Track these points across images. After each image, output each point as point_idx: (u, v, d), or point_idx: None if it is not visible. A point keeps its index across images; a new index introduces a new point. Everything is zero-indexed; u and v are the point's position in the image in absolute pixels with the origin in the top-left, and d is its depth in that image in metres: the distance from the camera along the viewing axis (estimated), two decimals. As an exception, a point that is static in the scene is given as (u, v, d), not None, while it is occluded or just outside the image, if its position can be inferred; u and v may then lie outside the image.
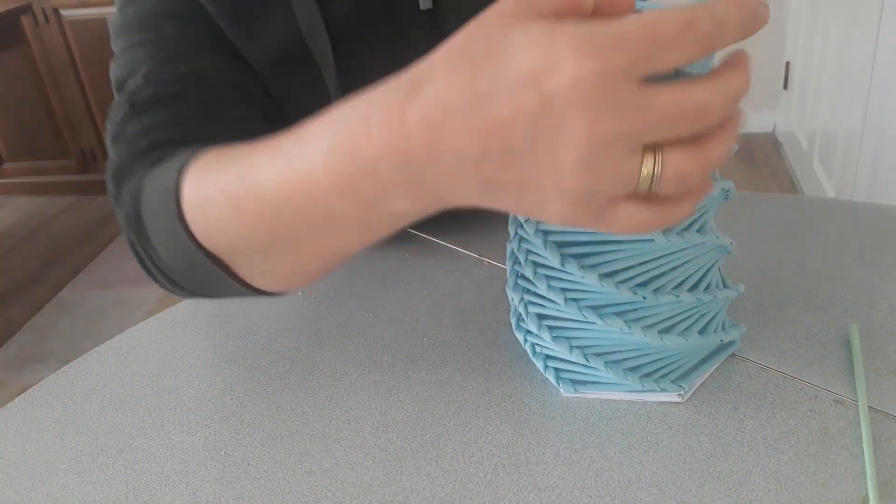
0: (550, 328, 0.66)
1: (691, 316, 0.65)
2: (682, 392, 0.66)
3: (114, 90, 0.76)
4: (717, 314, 0.67)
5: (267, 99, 0.78)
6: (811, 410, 0.64)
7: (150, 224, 0.65)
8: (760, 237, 0.89)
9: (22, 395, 0.75)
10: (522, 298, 0.68)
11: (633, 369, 0.66)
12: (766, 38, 3.76)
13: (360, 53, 0.49)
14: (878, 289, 0.78)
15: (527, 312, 0.68)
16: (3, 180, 4.18)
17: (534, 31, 0.42)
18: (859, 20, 2.54)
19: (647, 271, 0.61)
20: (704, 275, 0.65)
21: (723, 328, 0.69)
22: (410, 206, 0.50)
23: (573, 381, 0.68)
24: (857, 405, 0.64)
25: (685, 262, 0.62)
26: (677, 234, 0.60)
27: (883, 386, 0.66)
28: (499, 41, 0.43)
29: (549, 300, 0.65)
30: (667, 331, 0.64)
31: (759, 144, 3.92)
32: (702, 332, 0.66)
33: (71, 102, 3.88)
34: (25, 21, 3.73)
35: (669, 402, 0.66)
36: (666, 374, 0.67)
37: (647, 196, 0.45)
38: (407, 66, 0.47)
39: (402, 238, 0.96)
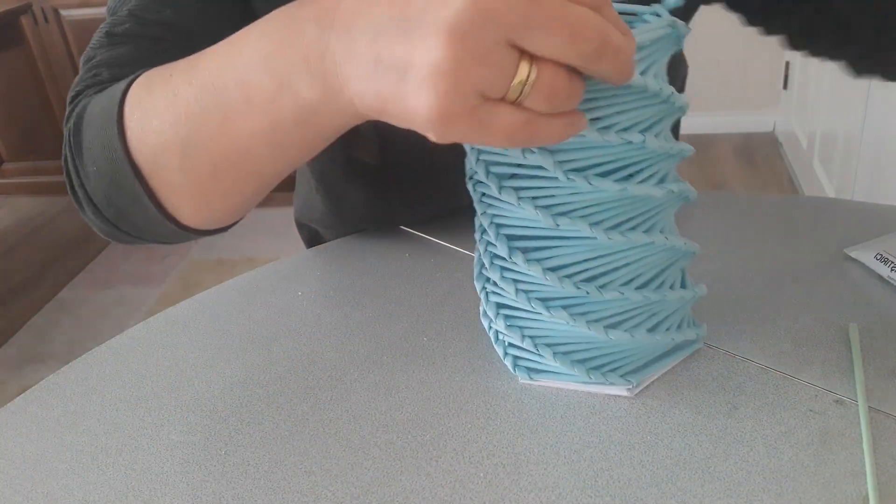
0: (506, 317, 0.68)
1: (641, 314, 0.65)
2: (631, 387, 0.67)
3: (106, 15, 0.77)
4: (672, 313, 0.68)
5: None
6: (811, 410, 0.64)
7: (86, 135, 0.66)
8: (759, 237, 0.89)
9: (22, 395, 0.75)
10: (484, 287, 0.69)
11: (582, 361, 0.67)
12: (766, 38, 3.76)
13: None
14: (878, 289, 0.78)
15: (487, 301, 0.69)
16: (2, 180, 4.18)
17: None
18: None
19: (593, 268, 0.62)
20: (657, 275, 0.65)
21: (678, 327, 0.69)
22: (313, 89, 0.52)
23: (528, 369, 0.69)
24: (857, 405, 0.64)
25: (634, 262, 0.63)
26: (621, 233, 0.60)
27: (883, 386, 0.66)
28: None
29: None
30: (613, 326, 0.64)
31: (760, 144, 3.92)
32: (652, 329, 0.66)
33: (71, 103, 3.88)
34: (25, 21, 3.73)
35: (663, 400, 0.66)
36: (615, 368, 0.67)
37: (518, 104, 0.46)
38: None
39: (403, 238, 0.96)
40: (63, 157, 0.70)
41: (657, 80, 0.57)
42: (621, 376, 0.67)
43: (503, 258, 0.65)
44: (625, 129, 0.57)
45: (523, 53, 0.45)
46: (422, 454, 0.64)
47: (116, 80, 0.70)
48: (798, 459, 0.60)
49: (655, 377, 0.69)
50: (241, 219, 0.72)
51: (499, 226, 0.64)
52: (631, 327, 0.65)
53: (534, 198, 0.60)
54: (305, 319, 0.82)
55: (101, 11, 3.60)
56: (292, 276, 0.91)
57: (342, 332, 0.79)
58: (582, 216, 0.60)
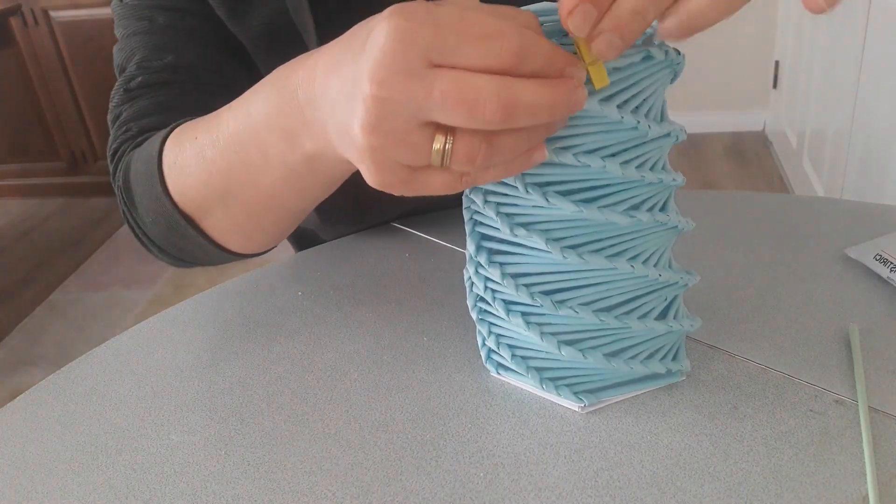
0: (479, 310, 0.69)
1: (601, 336, 0.64)
2: (583, 405, 0.66)
3: (116, 74, 0.87)
4: (643, 342, 0.66)
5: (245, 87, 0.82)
6: (811, 410, 0.64)
7: (136, 192, 0.77)
8: (758, 237, 0.90)
9: (22, 395, 0.75)
10: (470, 278, 0.69)
11: (538, 369, 0.67)
12: (756, 38, 3.78)
13: (342, 27, 0.56)
14: (878, 289, 0.79)
15: (469, 291, 0.69)
16: (-8, 182, 4.17)
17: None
18: (848, 20, 2.55)
19: (551, 282, 0.62)
20: (627, 301, 0.64)
21: (649, 357, 0.67)
22: (314, 144, 0.60)
23: (496, 364, 0.70)
24: (857, 405, 0.64)
25: (596, 284, 0.62)
26: (578, 254, 0.60)
27: (883, 386, 0.66)
28: (369, 22, 0.52)
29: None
30: (569, 343, 0.64)
31: (749, 143, 3.94)
32: (612, 355, 0.65)
33: (61, 104, 3.87)
34: (14, 23, 3.73)
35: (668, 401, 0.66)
36: (570, 384, 0.66)
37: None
38: None
39: (403, 238, 0.96)
40: (121, 211, 0.80)
41: (621, 110, 0.56)
42: (574, 393, 0.66)
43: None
44: (587, 153, 0.57)
45: (443, 126, 0.49)
46: (422, 454, 0.64)
47: (145, 131, 0.81)
48: (798, 459, 0.60)
49: (614, 401, 0.67)
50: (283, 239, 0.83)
51: (475, 223, 0.65)
52: (587, 348, 0.64)
53: (498, 203, 0.61)
54: (305, 319, 0.82)
55: (91, 13, 3.60)
56: (292, 276, 0.91)
57: (342, 332, 0.79)
58: (540, 230, 0.60)
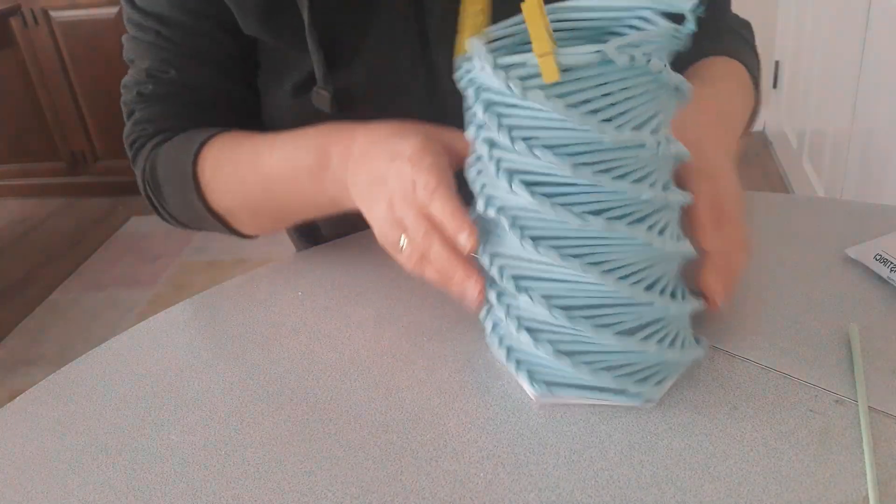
0: (529, 330, 0.66)
1: (557, 330, 0.64)
2: (535, 394, 0.67)
3: (125, 61, 0.97)
4: (606, 352, 0.65)
5: (243, 101, 0.97)
6: (811, 410, 0.64)
7: (165, 187, 0.93)
8: (757, 237, 0.89)
9: (22, 395, 0.75)
10: (499, 301, 0.68)
11: (509, 349, 0.69)
12: (756, 38, 3.77)
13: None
14: (878, 289, 0.79)
15: (508, 315, 0.67)
16: (-7, 182, 4.17)
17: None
18: (847, 20, 2.55)
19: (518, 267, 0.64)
20: (596, 306, 0.64)
21: (623, 373, 0.66)
22: (335, 194, 0.79)
23: (547, 383, 0.67)
24: (857, 405, 0.64)
25: (560, 280, 0.63)
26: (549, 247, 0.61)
27: (883, 386, 0.66)
28: (396, 135, 0.74)
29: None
30: (529, 329, 0.65)
31: (750, 143, 3.93)
32: (566, 354, 0.65)
33: (61, 104, 3.87)
34: (14, 23, 3.72)
35: (669, 404, 0.66)
36: (532, 371, 0.67)
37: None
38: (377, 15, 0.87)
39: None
40: (145, 195, 0.98)
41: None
42: (533, 380, 0.67)
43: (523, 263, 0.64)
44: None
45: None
46: (422, 454, 0.64)
47: (160, 131, 0.95)
48: (798, 459, 0.60)
49: (570, 401, 0.67)
50: None
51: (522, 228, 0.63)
52: (542, 339, 0.65)
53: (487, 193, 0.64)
54: (305, 319, 0.82)
55: (90, 13, 3.59)
56: (292, 276, 0.91)
57: (342, 332, 0.79)
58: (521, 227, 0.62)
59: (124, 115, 0.98)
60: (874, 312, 0.75)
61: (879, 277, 0.80)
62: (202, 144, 0.89)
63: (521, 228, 0.61)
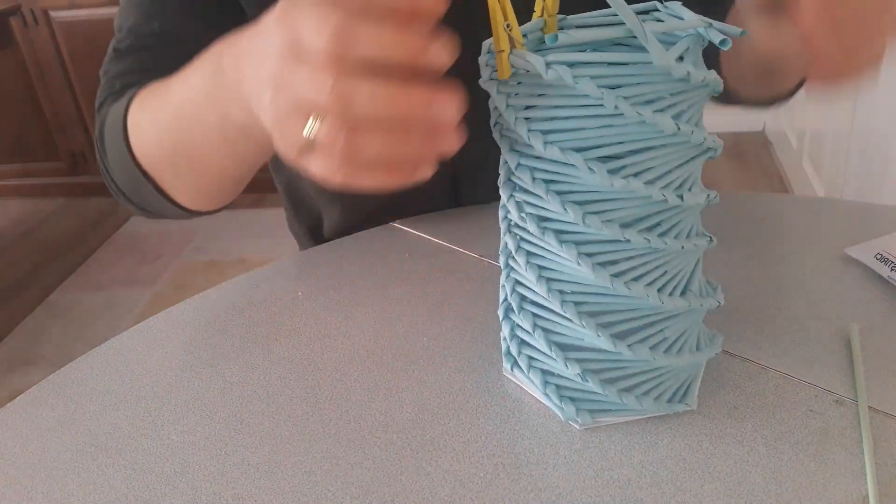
0: (577, 360, 0.64)
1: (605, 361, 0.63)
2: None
3: (115, 33, 0.94)
4: (651, 376, 0.65)
5: None
6: (811, 410, 0.65)
7: (108, 144, 0.86)
8: (758, 237, 0.90)
9: (22, 395, 0.75)
10: (536, 326, 0.65)
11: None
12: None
13: None
14: (878, 289, 0.79)
15: (546, 339, 0.64)
16: (-8, 182, 4.17)
17: None
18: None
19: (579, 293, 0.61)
20: (646, 326, 0.63)
21: (659, 395, 0.65)
22: (242, 115, 0.62)
23: (591, 411, 0.65)
24: (857, 405, 0.64)
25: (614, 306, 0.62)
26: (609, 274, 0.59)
27: (883, 386, 0.66)
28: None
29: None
30: (578, 360, 0.63)
31: (750, 143, 3.94)
32: (610, 382, 0.64)
33: (61, 104, 3.86)
34: (14, 23, 3.72)
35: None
36: (575, 401, 0.65)
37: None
38: None
39: (403, 238, 0.96)
40: (97, 157, 0.89)
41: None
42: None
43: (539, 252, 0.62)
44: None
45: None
46: (422, 454, 0.64)
47: (126, 87, 0.88)
48: (798, 459, 0.60)
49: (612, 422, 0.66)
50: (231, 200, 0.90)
51: (510, 223, 0.63)
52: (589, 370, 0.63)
53: (536, 215, 0.61)
54: (305, 319, 0.82)
55: (90, 13, 3.59)
56: (292, 276, 0.91)
57: (342, 332, 0.79)
58: (573, 242, 0.59)
59: (100, 81, 0.93)
60: (874, 312, 0.75)
61: (879, 277, 0.80)
62: (142, 88, 0.82)
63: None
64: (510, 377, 0.70)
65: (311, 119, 0.49)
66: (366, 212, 1.04)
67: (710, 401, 0.66)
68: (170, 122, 0.76)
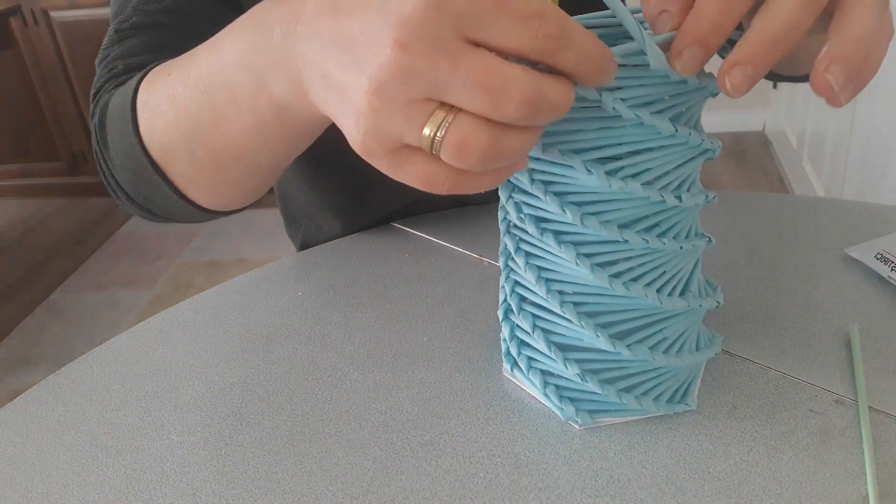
0: (574, 360, 0.64)
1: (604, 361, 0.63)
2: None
3: (110, 21, 0.85)
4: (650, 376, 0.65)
5: None
6: (811, 410, 0.64)
7: (109, 131, 0.73)
8: (758, 237, 0.90)
9: (22, 395, 0.75)
10: (535, 326, 0.65)
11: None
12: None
13: None
14: (878, 289, 0.79)
15: (545, 340, 0.65)
16: (-7, 182, 4.17)
17: None
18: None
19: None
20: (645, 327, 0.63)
21: (659, 395, 0.66)
22: (284, 89, 0.55)
23: (590, 412, 0.66)
24: (857, 405, 0.64)
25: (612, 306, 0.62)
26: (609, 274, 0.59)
27: (883, 386, 0.66)
28: None
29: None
30: (578, 360, 0.63)
31: (750, 143, 3.94)
32: (609, 382, 0.64)
33: (61, 104, 3.87)
34: (14, 23, 3.72)
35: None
36: (575, 401, 0.65)
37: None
38: None
39: (403, 238, 0.96)
40: (94, 151, 0.77)
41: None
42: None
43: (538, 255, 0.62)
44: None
45: (447, 106, 0.44)
46: (422, 454, 0.64)
47: (131, 70, 0.77)
48: (798, 459, 0.60)
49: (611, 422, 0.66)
50: (256, 199, 0.77)
51: (510, 224, 0.63)
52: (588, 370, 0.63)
53: (533, 215, 0.61)
54: (305, 319, 0.82)
55: (91, 13, 3.60)
56: (292, 276, 0.91)
57: (342, 332, 0.79)
58: (572, 243, 0.59)
59: (97, 68, 0.82)
60: (874, 312, 0.75)
61: (879, 277, 0.80)
62: (153, 66, 0.71)
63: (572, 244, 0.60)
64: (510, 377, 0.70)
65: (437, 114, 0.44)
66: (371, 222, 1.03)
67: (710, 401, 0.66)
68: (191, 94, 0.64)
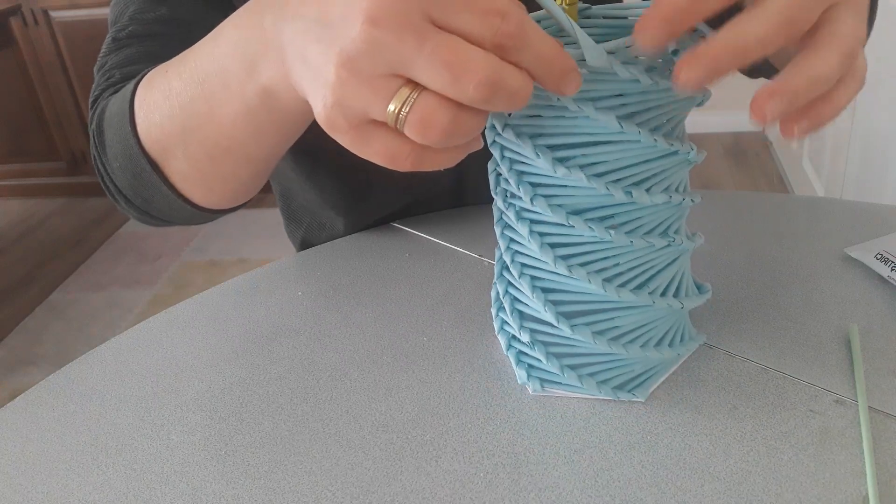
0: (531, 331, 0.68)
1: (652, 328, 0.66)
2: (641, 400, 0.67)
3: (109, 28, 0.86)
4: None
5: None
6: (811, 410, 0.64)
7: (108, 135, 0.75)
8: (758, 237, 0.90)
9: (22, 395, 0.75)
10: (507, 293, 0.69)
11: (592, 375, 0.67)
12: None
13: None
14: (878, 289, 0.79)
15: (512, 309, 0.69)
16: (-8, 182, 4.17)
17: None
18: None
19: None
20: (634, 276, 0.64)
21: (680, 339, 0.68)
22: (271, 72, 0.57)
23: (541, 380, 0.69)
24: (857, 405, 0.64)
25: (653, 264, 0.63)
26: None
27: (883, 386, 0.66)
28: None
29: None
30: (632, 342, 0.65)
31: (750, 143, 3.94)
32: (658, 344, 0.66)
33: (61, 104, 3.87)
34: (14, 23, 3.73)
35: (669, 403, 0.66)
36: (624, 383, 0.67)
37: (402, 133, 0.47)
38: None
39: (403, 238, 0.96)
40: (92, 157, 0.78)
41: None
42: (629, 391, 0.67)
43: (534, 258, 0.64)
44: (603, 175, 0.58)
45: (412, 84, 0.46)
46: (422, 454, 0.64)
47: (127, 78, 0.78)
48: (798, 459, 0.60)
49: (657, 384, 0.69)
50: (251, 198, 0.79)
51: (499, 177, 0.65)
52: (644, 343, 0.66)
53: (517, 169, 0.62)
54: (305, 319, 0.82)
55: (90, 13, 3.60)
56: (292, 276, 0.91)
57: (342, 332, 0.79)
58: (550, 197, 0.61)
59: (95, 76, 0.84)
60: (874, 312, 0.75)
61: (880, 277, 0.80)
62: (147, 71, 0.73)
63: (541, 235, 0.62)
64: (510, 377, 0.71)
65: (402, 90, 0.46)
66: (373, 220, 1.03)
67: (710, 401, 0.66)
68: (185, 86, 0.66)
